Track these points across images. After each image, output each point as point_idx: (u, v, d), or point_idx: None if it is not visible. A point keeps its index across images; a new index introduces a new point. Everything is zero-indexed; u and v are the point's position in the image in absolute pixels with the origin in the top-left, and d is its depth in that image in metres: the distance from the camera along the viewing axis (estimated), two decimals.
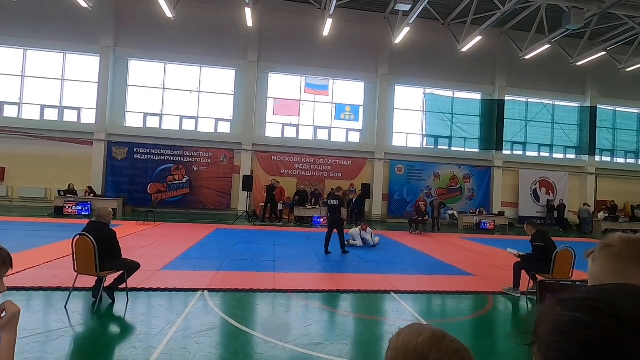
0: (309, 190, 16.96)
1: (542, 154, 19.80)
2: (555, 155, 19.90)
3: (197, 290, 5.42)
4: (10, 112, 16.13)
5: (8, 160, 15.68)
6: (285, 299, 5.41)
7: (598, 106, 19.78)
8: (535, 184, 19.18)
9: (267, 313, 4.98)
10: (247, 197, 15.48)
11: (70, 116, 16.49)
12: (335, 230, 8.95)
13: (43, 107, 16.30)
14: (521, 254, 6.21)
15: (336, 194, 9.64)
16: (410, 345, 0.68)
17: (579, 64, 17.90)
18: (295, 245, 9.98)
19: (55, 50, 16.26)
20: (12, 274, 5.62)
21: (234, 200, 16.76)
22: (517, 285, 6.06)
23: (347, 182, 17.24)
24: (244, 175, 15.69)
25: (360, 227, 10.53)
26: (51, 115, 16.34)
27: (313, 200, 16.43)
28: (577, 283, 1.04)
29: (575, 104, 20.05)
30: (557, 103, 19.81)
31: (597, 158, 19.96)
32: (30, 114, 16.21)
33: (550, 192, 19.24)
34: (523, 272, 6.02)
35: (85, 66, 16.49)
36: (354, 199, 15.71)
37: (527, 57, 17.41)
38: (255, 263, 7.50)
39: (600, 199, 19.39)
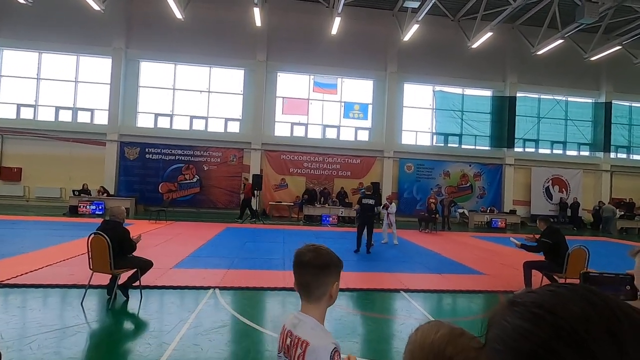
0: (318, 189, 16.99)
1: (554, 151, 19.45)
2: (568, 153, 19.53)
3: (208, 288, 5.50)
4: (26, 114, 16.52)
5: (25, 161, 16.07)
6: (295, 297, 5.40)
7: (613, 102, 19.33)
8: (548, 182, 18.86)
9: (277, 311, 5.03)
10: (257, 196, 15.58)
11: (83, 117, 16.82)
12: (365, 229, 8.91)
13: (57, 108, 16.65)
14: (522, 243, 6.11)
15: (367, 192, 9.49)
16: (427, 340, 0.69)
17: (593, 59, 17.51)
18: (305, 243, 10.00)
19: (69, 53, 16.59)
20: (31, 271, 5.79)
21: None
22: (529, 285, 5.95)
23: (356, 180, 17.21)
24: (253, 174, 15.79)
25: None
26: (65, 116, 16.69)
27: (322, 199, 16.45)
28: (620, 276, 1.04)
29: (589, 100, 19.64)
30: (570, 99, 19.43)
31: (612, 155, 19.52)
32: (46, 115, 16.58)
33: (563, 190, 18.90)
34: (534, 271, 5.94)
35: (97, 68, 16.79)
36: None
37: (539, 52, 17.10)
38: (265, 261, 7.56)
39: (615, 197, 18.97)
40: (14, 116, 16.41)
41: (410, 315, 4.93)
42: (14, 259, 6.48)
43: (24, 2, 14.10)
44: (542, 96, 19.21)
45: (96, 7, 14.60)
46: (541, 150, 19.35)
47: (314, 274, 1.28)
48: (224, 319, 4.45)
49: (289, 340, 1.28)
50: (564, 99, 19.34)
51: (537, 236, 6.09)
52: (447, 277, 6.93)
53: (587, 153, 19.67)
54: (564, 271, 5.56)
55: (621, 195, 18.96)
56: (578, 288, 0.45)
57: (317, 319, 1.27)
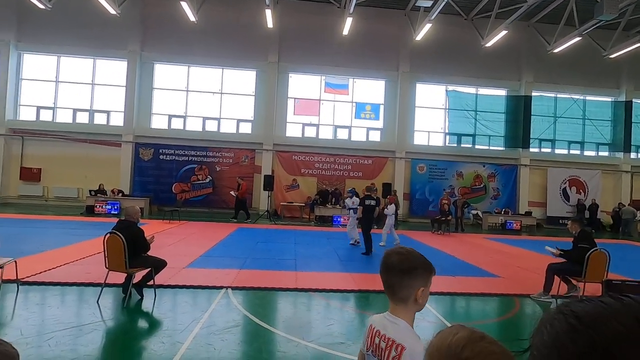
0: (330, 189, 16.97)
1: (572, 151, 18.98)
2: (586, 153, 19.03)
3: (220, 287, 5.54)
4: (45, 116, 16.99)
5: (44, 161, 16.53)
6: (307, 297, 5.44)
7: (634, 100, 18.76)
8: (565, 183, 18.41)
9: (289, 311, 5.03)
10: (268, 196, 15.66)
11: (100, 119, 17.20)
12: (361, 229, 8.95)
13: (75, 110, 17.07)
14: (561, 252, 5.75)
15: (367, 193, 9.50)
16: (445, 343, 0.68)
17: (612, 56, 17.01)
18: (317, 244, 10.01)
19: (86, 56, 16.99)
20: (49, 269, 5.93)
21: (255, 199, 16.99)
22: (549, 289, 5.72)
23: (368, 181, 17.06)
24: (265, 175, 15.88)
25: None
26: (82, 118, 17.09)
27: (333, 200, 16.42)
28: None
29: (609, 99, 19.10)
30: (588, 98, 18.93)
31: (633, 155, 18.93)
32: (64, 117, 17.02)
33: (581, 191, 18.42)
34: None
35: (113, 71, 17.15)
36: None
37: (556, 50, 16.71)
38: (276, 262, 7.58)
39: (636, 199, 18.39)
40: (34, 118, 16.89)
41: (423, 318, 4.86)
42: (34, 257, 6.66)
43: (44, 7, 14.51)
44: (558, 95, 18.77)
45: (112, 12, 14.93)
46: (558, 151, 18.90)
47: (398, 277, 1.29)
48: (236, 318, 4.48)
49: (378, 340, 1.30)
50: (581, 97, 18.85)
51: (561, 251, 5.76)
52: (461, 280, 6.82)
53: (606, 153, 19.13)
54: (584, 275, 5.39)
55: None
56: (634, 304, 0.43)
57: (408, 322, 1.28)
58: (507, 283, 6.74)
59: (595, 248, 5.45)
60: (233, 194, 15.05)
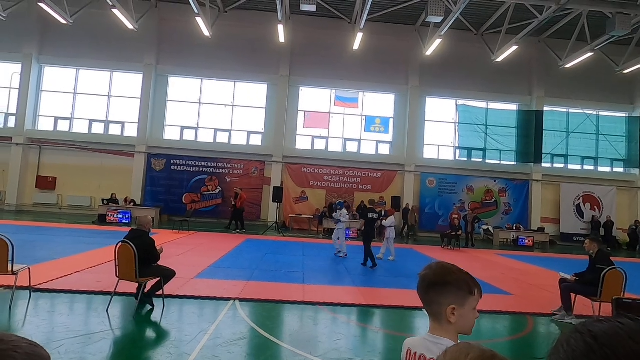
0: (338, 202, 16.91)
1: (585, 167, 18.66)
2: (600, 169, 18.68)
3: (228, 299, 5.53)
4: (62, 126, 17.48)
5: (59, 170, 16.92)
6: (314, 311, 5.39)
7: None
8: (579, 199, 18.05)
9: (296, 325, 4.99)
10: (277, 208, 15.70)
11: (114, 130, 17.61)
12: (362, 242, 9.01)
13: (91, 121, 17.53)
14: (576, 277, 5.50)
15: (370, 207, 9.65)
16: None
17: (625, 72, 16.86)
18: (325, 257, 9.96)
19: (104, 69, 17.54)
20: (61, 277, 6.01)
21: (264, 211, 17.05)
22: (569, 308, 5.44)
23: (377, 194, 17.04)
24: (274, 187, 15.96)
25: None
26: (98, 129, 17.54)
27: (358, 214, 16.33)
28: None
29: (623, 114, 18.83)
30: (601, 113, 18.69)
31: None
32: (80, 128, 17.48)
33: (595, 207, 18.02)
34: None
35: (129, 83, 17.64)
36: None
37: (568, 66, 16.64)
38: (284, 274, 7.55)
39: None
40: (51, 128, 17.39)
41: None
42: (46, 264, 6.77)
43: (65, 22, 15.12)
44: (571, 110, 18.58)
45: (130, 27, 15.47)
46: (571, 166, 18.60)
47: (424, 291, 1.23)
48: (243, 331, 4.46)
49: None
50: (594, 113, 18.63)
51: (576, 277, 5.56)
52: None
53: (621, 169, 18.76)
54: (599, 295, 5.23)
55: None
56: None
57: (452, 341, 1.17)
58: (519, 301, 6.58)
59: (611, 267, 5.29)
60: (233, 202, 15.10)
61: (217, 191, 17.18)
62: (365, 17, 13.84)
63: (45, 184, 16.86)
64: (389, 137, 18.21)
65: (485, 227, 17.06)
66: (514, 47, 15.43)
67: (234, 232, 14.16)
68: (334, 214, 10.63)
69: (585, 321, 0.50)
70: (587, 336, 0.44)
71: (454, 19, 13.53)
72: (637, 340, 0.41)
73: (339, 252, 10.05)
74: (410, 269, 9.09)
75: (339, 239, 10.18)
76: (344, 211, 10.31)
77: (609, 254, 5.60)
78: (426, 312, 1.25)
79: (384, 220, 10.11)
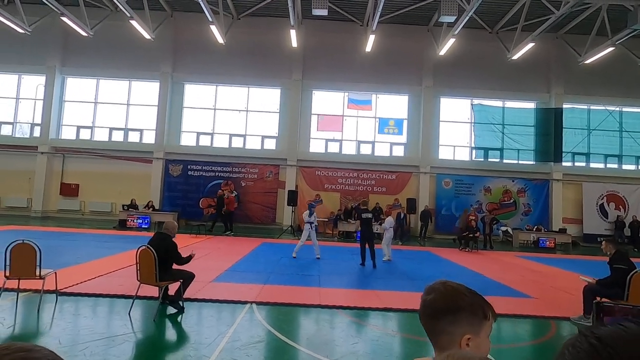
0: (353, 204, 16.88)
1: (609, 165, 18.04)
2: (624, 167, 18.02)
3: (245, 302, 5.60)
4: (84, 135, 18.09)
5: (82, 177, 17.50)
6: (330, 314, 5.40)
7: None
8: (602, 198, 17.45)
9: (312, 328, 5.00)
10: (292, 211, 15.77)
11: (133, 137, 18.10)
12: (367, 245, 9.02)
13: (111, 129, 18.08)
14: (597, 280, 5.42)
15: (363, 207, 9.68)
16: None
17: None
18: (340, 260, 9.95)
19: (123, 78, 18.08)
20: (84, 281, 6.21)
21: (279, 214, 17.16)
22: (589, 312, 5.28)
23: (392, 196, 16.94)
24: (288, 190, 16.05)
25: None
26: (118, 136, 18.06)
27: (356, 215, 16.30)
28: (638, 307, 0.96)
29: None
30: (624, 109, 18.05)
31: None
32: (101, 136, 18.05)
33: (620, 207, 17.38)
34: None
35: (146, 91, 18.12)
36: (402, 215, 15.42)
37: (587, 61, 16.17)
38: (300, 277, 7.59)
39: None
40: (74, 137, 18.02)
41: None
42: (71, 268, 7.00)
43: (86, 35, 15.68)
44: (592, 107, 18.02)
45: (147, 36, 15.91)
46: (593, 165, 18.01)
47: (431, 320, 1.02)
48: (260, 334, 4.50)
49: None
50: (617, 109, 18.01)
51: (597, 280, 5.43)
52: (491, 300, 6.41)
53: None
54: (626, 298, 5.05)
55: None
56: None
57: None
58: (541, 304, 6.41)
59: (636, 270, 5.11)
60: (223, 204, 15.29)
61: (233, 195, 17.37)
62: (377, 19, 13.83)
63: (69, 190, 17.45)
64: (403, 138, 18.07)
65: (503, 228, 16.70)
66: (531, 44, 15.10)
67: (225, 234, 14.25)
68: (303, 214, 10.40)
69: (591, 325, 0.52)
70: (591, 338, 0.47)
71: (468, 17, 13.36)
72: None
73: (295, 253, 9.87)
74: (427, 272, 8.99)
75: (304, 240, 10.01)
76: (312, 212, 10.26)
77: (626, 253, 5.44)
78: (431, 344, 1.04)
79: (381, 223, 10.16)
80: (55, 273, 5.19)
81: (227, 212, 15.13)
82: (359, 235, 9.76)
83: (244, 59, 17.63)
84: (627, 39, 14.50)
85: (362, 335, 4.82)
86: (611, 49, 14.93)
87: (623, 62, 16.86)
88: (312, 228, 9.94)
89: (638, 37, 15.34)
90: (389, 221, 10.21)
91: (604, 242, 5.70)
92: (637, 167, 18.07)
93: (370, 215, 9.34)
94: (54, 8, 13.83)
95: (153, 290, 5.10)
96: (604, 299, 5.30)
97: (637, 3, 12.49)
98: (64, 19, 14.33)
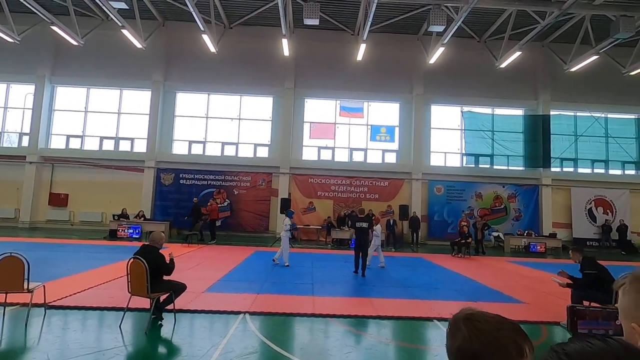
0: (346, 212, 16.92)
1: (596, 170, 18.41)
2: (611, 172, 18.40)
3: (238, 313, 5.55)
4: (74, 144, 17.89)
5: (71, 187, 17.25)
6: (324, 323, 5.38)
7: None
8: (591, 203, 17.76)
9: (306, 338, 4.97)
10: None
11: (124, 146, 17.95)
12: (361, 253, 8.95)
13: (102, 138, 17.91)
14: (567, 283, 5.62)
15: (360, 216, 9.61)
16: None
17: (632, 73, 16.74)
18: (334, 267, 9.93)
19: (114, 87, 17.98)
20: (74, 294, 6.10)
21: (272, 222, 17.10)
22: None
23: (385, 203, 17.03)
24: (281, 198, 16.02)
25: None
26: (108, 145, 17.89)
27: (350, 222, 16.32)
28: (608, 310, 1.01)
29: (632, 116, 18.62)
30: (610, 116, 18.50)
31: None
32: (91, 145, 17.87)
33: (608, 211, 17.71)
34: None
35: (138, 100, 18.03)
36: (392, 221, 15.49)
37: (573, 69, 16.59)
38: (294, 286, 7.55)
39: None
40: (63, 146, 17.80)
41: (444, 346, 4.71)
42: (60, 281, 6.88)
43: (77, 44, 15.60)
44: (578, 113, 18.44)
45: (139, 45, 15.90)
46: (581, 170, 18.37)
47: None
48: (254, 344, 4.46)
49: None
50: (603, 115, 18.44)
51: (568, 282, 5.65)
52: (483, 306, 6.52)
53: (632, 172, 18.45)
54: (614, 302, 5.14)
55: None
56: (617, 346, 0.50)
57: None
58: (532, 309, 6.47)
59: (606, 271, 5.35)
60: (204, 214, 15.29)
61: (225, 204, 17.30)
62: (367, 28, 14.04)
63: (58, 200, 17.18)
64: (395, 145, 18.23)
65: (495, 233, 16.86)
66: (518, 53, 15.46)
67: (209, 244, 14.11)
68: (284, 221, 10.25)
69: (562, 342, 0.55)
70: (562, 354, 0.51)
71: (456, 27, 13.64)
72: (605, 358, 0.48)
73: (275, 259, 9.92)
74: (420, 279, 9.01)
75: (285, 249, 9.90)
76: (287, 220, 10.11)
77: (594, 259, 5.64)
78: None
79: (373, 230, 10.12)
80: (44, 286, 5.09)
81: (210, 221, 15.04)
82: (353, 242, 9.63)
83: (236, 68, 17.70)
84: (611, 47, 14.93)
85: (356, 344, 4.81)
86: (595, 57, 15.35)
87: (607, 69, 17.33)
88: (288, 234, 9.91)
89: (621, 46, 15.80)
90: (378, 229, 10.29)
91: (571, 252, 5.87)
92: (623, 172, 18.46)
93: (365, 225, 9.08)
94: (44, 17, 13.78)
95: (144, 302, 5.03)
96: (593, 304, 5.39)
97: (619, 13, 12.89)
98: (54, 28, 14.26)
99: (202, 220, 15.19)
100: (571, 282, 5.62)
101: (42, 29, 16.24)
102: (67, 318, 5.14)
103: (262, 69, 17.80)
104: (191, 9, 13.13)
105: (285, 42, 15.37)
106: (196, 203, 15.70)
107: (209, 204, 15.81)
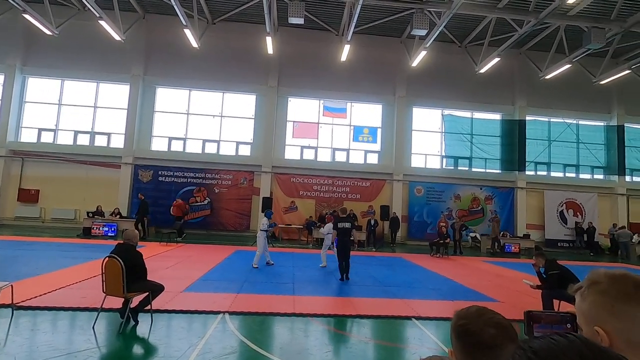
0: (327, 211, 16.96)
1: (567, 174, 19.20)
2: (582, 176, 19.24)
3: (218, 312, 5.48)
4: (46, 138, 17.15)
5: (43, 183, 16.54)
6: (304, 323, 5.38)
7: (626, 125, 19.17)
8: (562, 206, 18.51)
9: (286, 337, 4.96)
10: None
11: (100, 141, 17.36)
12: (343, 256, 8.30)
13: (76, 132, 17.25)
14: (537, 285, 6.05)
15: (342, 215, 8.89)
16: None
17: (602, 82, 17.56)
18: (314, 267, 9.94)
19: (90, 80, 17.36)
20: (44, 294, 5.86)
21: (254, 221, 16.95)
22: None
23: (366, 203, 17.18)
24: (263, 197, 15.91)
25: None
26: (83, 140, 17.26)
27: (333, 224, 16.37)
28: (561, 314, 1.06)
29: (601, 123, 19.51)
30: (581, 122, 19.34)
31: (628, 178, 19.15)
32: (65, 139, 17.18)
33: (578, 213, 18.50)
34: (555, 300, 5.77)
35: (116, 94, 17.48)
36: (373, 221, 15.62)
37: (548, 77, 17.25)
38: (274, 285, 7.51)
39: (633, 221, 18.46)
40: (35, 140, 17.05)
41: (422, 344, 4.81)
42: (29, 280, 6.59)
43: (51, 33, 14.97)
44: (552, 119, 19.17)
45: (117, 38, 15.41)
46: (553, 174, 19.11)
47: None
48: (233, 345, 4.42)
49: None
50: (574, 122, 19.26)
51: (537, 285, 6.06)
52: (460, 304, 6.68)
53: (601, 176, 19.35)
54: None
55: (639, 219, 18.46)
56: (577, 341, 0.56)
57: None
58: (507, 307, 6.68)
59: (569, 271, 5.72)
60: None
61: (205, 202, 17.02)
62: (352, 29, 14.13)
63: (28, 196, 16.45)
64: (377, 146, 18.43)
65: (472, 234, 17.31)
66: (496, 59, 15.94)
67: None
68: (262, 223, 9.88)
69: (527, 339, 0.61)
70: (528, 352, 0.56)
71: (439, 31, 13.93)
72: (568, 354, 0.54)
73: (261, 261, 9.52)
74: (399, 278, 9.15)
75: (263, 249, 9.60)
76: (265, 220, 9.81)
77: (555, 261, 6.03)
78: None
79: (321, 228, 9.94)
80: (12, 285, 4.87)
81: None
82: (336, 243, 8.90)
83: (219, 64, 17.44)
84: (583, 57, 15.62)
85: (336, 342, 4.84)
86: (568, 65, 16.02)
87: (579, 78, 18.11)
88: (265, 234, 9.54)
89: (593, 56, 16.54)
90: (328, 227, 9.89)
91: (534, 256, 6.23)
92: (593, 177, 19.34)
93: (348, 225, 8.56)
94: (15, 4, 13.14)
95: (120, 302, 4.88)
96: (564, 303, 5.65)
97: (591, 24, 13.49)
98: (26, 16, 13.63)
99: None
100: (540, 283, 5.89)
101: (13, 16, 15.51)
102: (37, 319, 4.93)
103: (246, 67, 17.61)
104: (173, 3, 12.84)
105: (269, 40, 15.26)
106: (142, 199, 14.87)
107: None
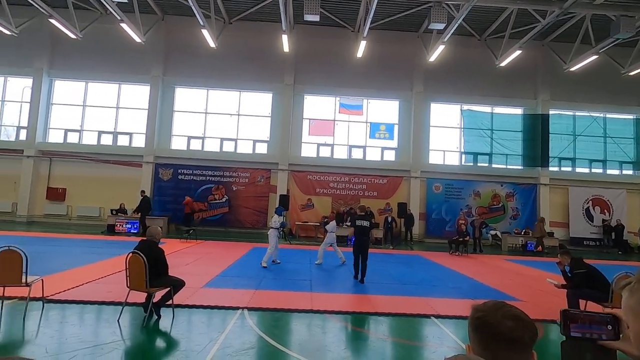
0: (344, 209, 16.93)
1: (594, 170, 18.46)
2: (609, 172, 18.47)
3: (237, 308, 5.56)
4: (72, 138, 17.80)
5: (69, 181, 17.19)
6: (322, 319, 5.40)
7: None
8: (588, 203, 17.83)
9: (304, 334, 4.99)
10: (284, 216, 15.71)
11: (123, 141, 17.88)
12: (360, 256, 7.94)
13: (100, 133, 17.83)
14: (561, 284, 5.84)
15: (360, 213, 8.44)
16: None
17: (631, 73, 16.75)
18: (332, 264, 9.95)
19: (112, 81, 17.88)
20: (72, 288, 6.09)
21: (271, 219, 17.04)
22: None
23: (383, 201, 17.06)
24: (280, 195, 16.02)
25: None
26: (107, 140, 17.82)
27: (348, 220, 16.33)
28: (601, 314, 1.02)
29: (630, 116, 18.65)
30: (608, 115, 18.54)
31: None
32: (89, 139, 17.78)
33: (605, 211, 17.78)
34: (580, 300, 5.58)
35: (136, 95, 17.95)
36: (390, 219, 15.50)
37: (572, 69, 16.59)
38: (292, 282, 7.57)
39: None
40: (61, 140, 17.72)
41: (442, 343, 4.75)
42: (58, 275, 6.87)
43: (75, 37, 15.49)
44: (577, 113, 18.46)
45: (138, 40, 15.81)
46: (579, 169, 18.42)
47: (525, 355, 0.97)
48: (252, 340, 4.48)
49: None
50: (601, 115, 18.48)
51: (562, 284, 5.85)
52: (480, 303, 6.62)
53: (630, 172, 18.52)
54: (610, 300, 5.19)
55: None
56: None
57: None
58: (529, 307, 6.48)
59: (596, 270, 5.49)
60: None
61: (223, 200, 17.29)
62: (368, 25, 13.99)
63: (55, 195, 17.12)
64: (394, 143, 18.23)
65: (493, 232, 16.92)
66: (518, 52, 15.44)
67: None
68: (273, 219, 9.74)
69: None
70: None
71: (457, 25, 13.61)
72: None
73: (266, 262, 9.12)
74: (418, 276, 9.05)
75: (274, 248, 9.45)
76: (276, 217, 9.71)
77: (581, 259, 5.79)
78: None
79: (327, 225, 10.01)
80: (42, 280, 5.09)
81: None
82: (352, 241, 8.53)
83: (236, 63, 17.63)
84: (610, 47, 14.93)
85: (354, 340, 4.84)
86: (595, 57, 15.35)
87: (607, 69, 17.34)
88: (277, 232, 9.44)
89: (621, 46, 15.80)
90: (332, 225, 9.95)
91: (559, 255, 5.97)
92: (621, 172, 18.53)
93: (366, 223, 8.01)
94: (42, 10, 13.65)
95: (143, 297, 5.02)
96: (590, 303, 5.45)
97: (619, 13, 12.89)
98: (52, 21, 14.14)
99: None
100: (565, 282, 5.70)
101: (40, 21, 16.11)
102: (65, 312, 5.14)
103: (262, 65, 17.73)
104: (191, 4, 13.04)
105: (285, 38, 15.30)
106: (144, 196, 14.95)
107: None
